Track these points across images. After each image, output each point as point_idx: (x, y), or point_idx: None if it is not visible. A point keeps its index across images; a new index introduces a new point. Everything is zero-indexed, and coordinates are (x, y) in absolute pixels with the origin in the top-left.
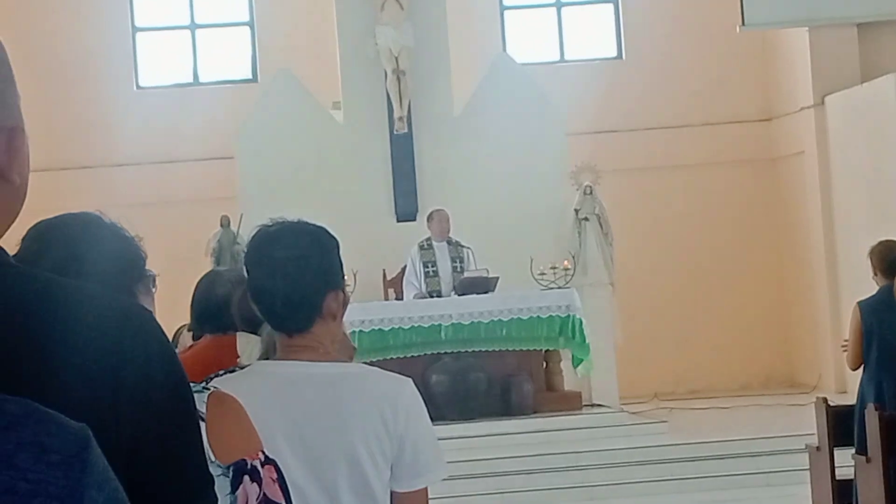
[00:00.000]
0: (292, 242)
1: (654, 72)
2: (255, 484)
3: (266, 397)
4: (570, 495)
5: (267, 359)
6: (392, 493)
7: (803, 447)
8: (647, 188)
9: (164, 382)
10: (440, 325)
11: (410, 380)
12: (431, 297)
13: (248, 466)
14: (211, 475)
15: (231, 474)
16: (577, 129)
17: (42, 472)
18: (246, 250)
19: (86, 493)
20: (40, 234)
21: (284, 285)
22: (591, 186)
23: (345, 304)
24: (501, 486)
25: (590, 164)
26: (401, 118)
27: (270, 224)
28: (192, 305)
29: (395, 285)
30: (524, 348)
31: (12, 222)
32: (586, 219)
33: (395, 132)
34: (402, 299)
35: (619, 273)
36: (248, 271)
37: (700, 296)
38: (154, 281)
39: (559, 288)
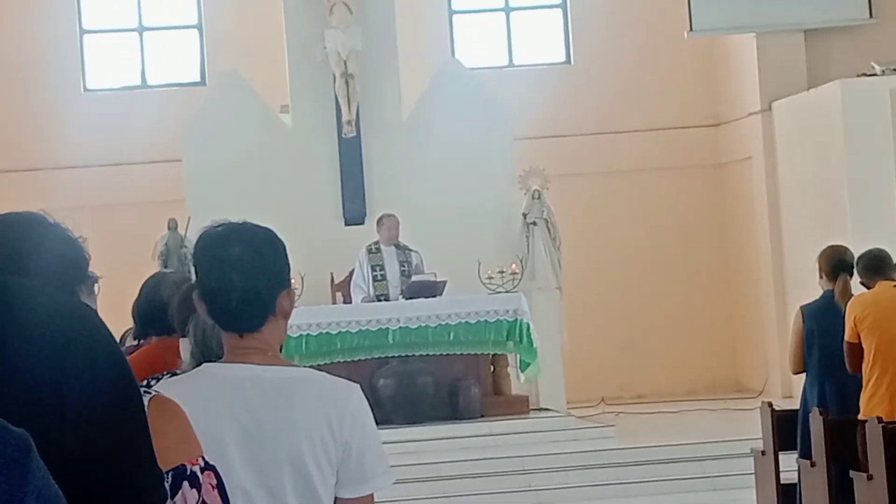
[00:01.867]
0: (247, 240)
1: (602, 77)
2: (194, 490)
3: (214, 400)
4: (517, 499)
5: (199, 362)
6: (337, 499)
7: (749, 451)
8: (594, 193)
9: (111, 383)
10: (388, 328)
11: (358, 386)
12: (379, 300)
13: (188, 472)
14: (161, 472)
15: (170, 479)
16: (526, 133)
17: None
18: (195, 250)
19: (25, 500)
20: None
21: (241, 283)
22: (539, 191)
23: (293, 301)
24: (448, 490)
25: (538, 168)
26: (349, 122)
27: (217, 225)
28: (136, 307)
29: (342, 289)
30: (472, 352)
31: None
32: (534, 223)
33: (343, 136)
34: (349, 303)
35: (566, 277)
36: (198, 271)
37: (647, 300)
38: (97, 283)
39: (507, 292)
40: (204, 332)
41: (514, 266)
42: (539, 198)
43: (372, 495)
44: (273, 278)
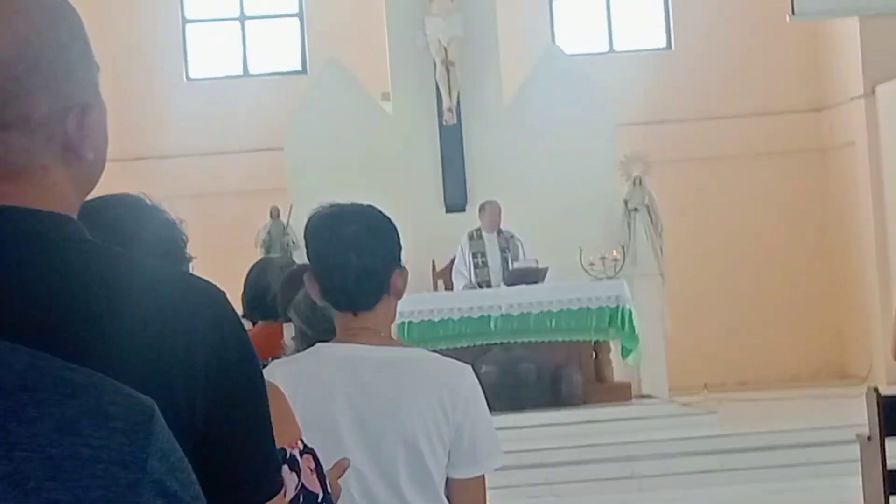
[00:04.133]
0: (361, 219)
1: (703, 62)
2: (293, 473)
3: (328, 380)
4: (620, 486)
5: (311, 343)
6: (449, 479)
7: (854, 438)
8: (696, 179)
9: (238, 362)
10: (490, 315)
11: (469, 367)
12: (481, 287)
13: (288, 455)
14: (279, 459)
15: None
16: (627, 119)
17: (105, 439)
18: (307, 230)
19: (149, 461)
20: (83, 215)
21: (358, 261)
22: (640, 177)
23: (405, 281)
24: (551, 476)
25: (639, 154)
26: (450, 109)
27: (328, 206)
28: (243, 292)
29: (444, 276)
30: (574, 339)
31: (85, 197)
32: (636, 209)
33: (444, 123)
34: (451, 290)
35: (668, 264)
36: (311, 250)
37: (750, 287)
38: (190, 263)
39: (608, 279)
40: (314, 311)
41: (615, 252)
42: (640, 184)
43: (483, 476)
44: (388, 257)
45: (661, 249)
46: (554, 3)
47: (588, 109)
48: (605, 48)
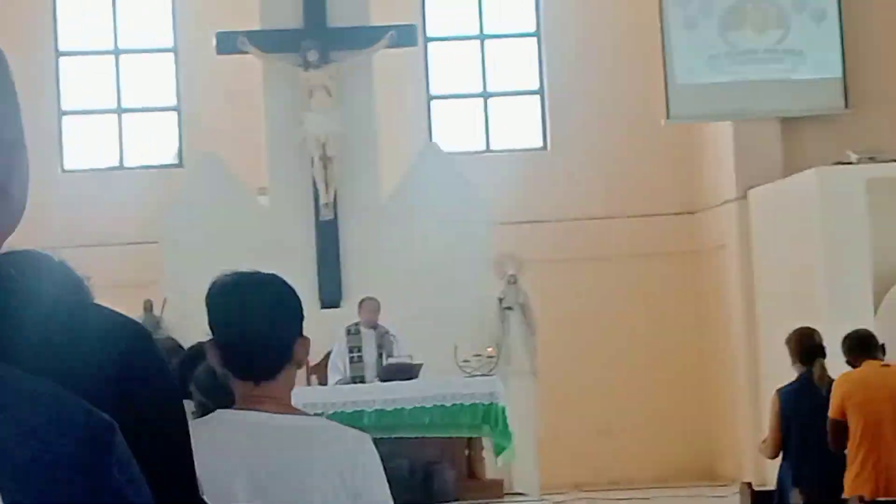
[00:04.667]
0: (266, 287)
1: (578, 162)
2: None
3: (226, 446)
4: None
5: (207, 411)
6: None
7: None
8: (570, 278)
9: (168, 399)
10: (363, 410)
11: (369, 436)
12: (355, 382)
13: None
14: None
15: None
16: (503, 217)
17: (67, 447)
18: (209, 299)
19: (109, 470)
20: None
21: (262, 328)
22: (514, 276)
23: (307, 350)
24: None
25: (512, 253)
26: (327, 204)
27: (229, 274)
28: None
29: (318, 371)
30: (447, 435)
31: (6, 238)
32: (510, 308)
33: (321, 218)
34: (325, 384)
35: (542, 362)
36: (213, 320)
37: (622, 385)
38: None
39: (482, 375)
40: (214, 382)
41: (490, 350)
42: (515, 283)
43: None
44: (291, 326)
45: (535, 348)
46: (432, 102)
47: (465, 207)
48: (483, 147)
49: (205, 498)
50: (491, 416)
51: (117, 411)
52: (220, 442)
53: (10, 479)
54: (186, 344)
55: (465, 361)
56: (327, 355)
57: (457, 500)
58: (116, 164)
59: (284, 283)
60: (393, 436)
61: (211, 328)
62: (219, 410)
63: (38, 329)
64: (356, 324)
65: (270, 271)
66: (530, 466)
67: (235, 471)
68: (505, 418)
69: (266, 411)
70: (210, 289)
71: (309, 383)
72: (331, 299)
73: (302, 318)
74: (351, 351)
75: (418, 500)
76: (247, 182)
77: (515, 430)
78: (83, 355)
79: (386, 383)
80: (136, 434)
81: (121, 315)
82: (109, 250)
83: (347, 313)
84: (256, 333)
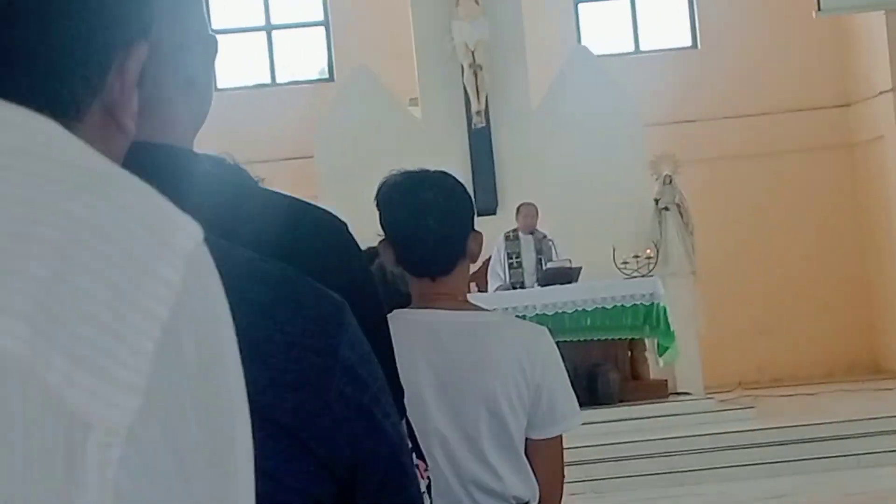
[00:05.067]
0: (438, 185)
1: (729, 60)
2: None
3: (409, 345)
4: (659, 481)
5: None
6: (528, 440)
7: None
8: (725, 177)
9: (375, 293)
10: (524, 316)
11: (546, 329)
12: (515, 288)
13: None
14: (402, 386)
15: None
16: (655, 119)
17: (298, 325)
18: (381, 198)
19: (340, 349)
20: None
21: (436, 226)
22: (670, 176)
23: (481, 244)
24: (591, 473)
25: (668, 153)
26: (478, 112)
27: (400, 174)
28: None
29: (477, 278)
30: (610, 337)
31: (198, 129)
32: (666, 208)
33: (473, 127)
34: (485, 291)
35: (700, 262)
36: (388, 217)
37: (782, 283)
38: None
39: (642, 277)
40: (385, 283)
41: (648, 251)
42: (670, 183)
43: (561, 437)
44: (464, 222)
45: (693, 248)
46: (579, 5)
47: (616, 110)
48: (631, 48)
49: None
50: (652, 316)
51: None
52: (401, 342)
53: (249, 357)
54: None
55: (624, 263)
56: (486, 262)
57: (621, 401)
58: (268, 81)
59: (454, 178)
60: (555, 340)
61: (383, 227)
62: (396, 311)
63: (262, 219)
64: (514, 230)
65: (439, 169)
66: (693, 366)
67: (419, 369)
68: (666, 318)
69: (444, 308)
70: (380, 188)
71: (468, 290)
72: (486, 207)
73: (474, 213)
74: (510, 257)
75: (583, 402)
76: (398, 93)
77: (677, 330)
78: (305, 244)
79: (546, 288)
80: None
81: (326, 210)
82: (264, 167)
83: (503, 220)
84: (431, 229)
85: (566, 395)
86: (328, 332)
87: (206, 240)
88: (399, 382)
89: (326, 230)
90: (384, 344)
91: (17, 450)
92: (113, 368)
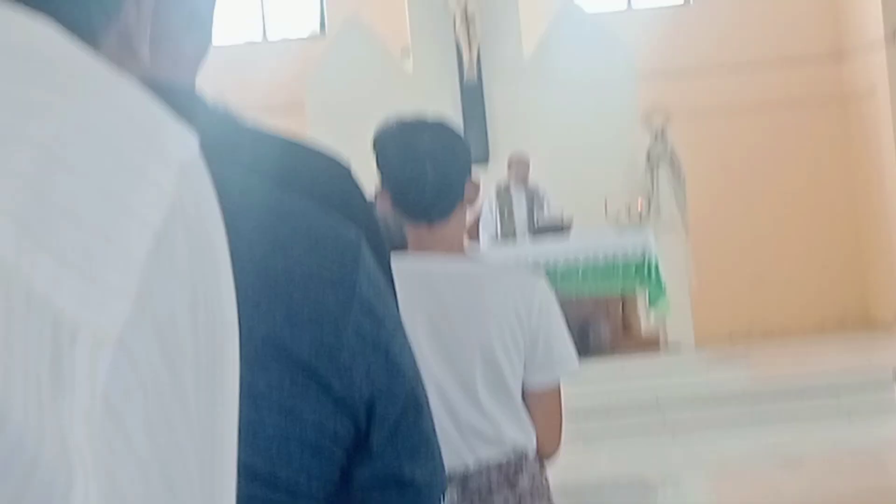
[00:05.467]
0: (435, 131)
1: (720, 9)
2: None
3: (404, 292)
4: (652, 432)
5: None
6: (526, 388)
7: (890, 378)
8: (717, 130)
9: (384, 246)
10: None
11: (542, 276)
12: (507, 241)
13: None
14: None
15: None
16: (647, 72)
17: (315, 259)
18: (377, 143)
19: (357, 282)
20: None
21: (433, 171)
22: (662, 129)
23: (478, 189)
24: (581, 424)
25: (660, 105)
26: (470, 65)
27: (396, 120)
28: None
29: (469, 231)
30: (601, 292)
31: (202, 64)
32: (658, 161)
33: (464, 79)
34: (477, 242)
35: (691, 215)
36: (384, 163)
37: (773, 236)
38: None
39: (634, 230)
40: (385, 225)
41: (639, 204)
42: (662, 136)
43: (559, 386)
44: (461, 167)
45: (685, 201)
46: None
47: (608, 61)
48: (624, 6)
49: None
50: (644, 269)
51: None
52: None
53: (263, 292)
54: None
55: (616, 217)
56: (478, 215)
57: (613, 353)
58: (259, 38)
59: (451, 126)
60: None
61: (380, 172)
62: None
63: (265, 159)
64: (506, 182)
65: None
66: (685, 319)
67: (414, 316)
68: (658, 271)
69: (439, 255)
70: (377, 133)
71: (463, 240)
72: (478, 159)
73: (470, 158)
74: (501, 210)
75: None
76: (389, 45)
77: (668, 284)
78: (309, 186)
79: (538, 241)
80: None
81: (331, 154)
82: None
83: (496, 173)
84: (428, 176)
85: (563, 340)
86: (346, 265)
87: (222, 165)
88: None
89: (330, 172)
90: (391, 289)
91: (0, 354)
92: (102, 271)
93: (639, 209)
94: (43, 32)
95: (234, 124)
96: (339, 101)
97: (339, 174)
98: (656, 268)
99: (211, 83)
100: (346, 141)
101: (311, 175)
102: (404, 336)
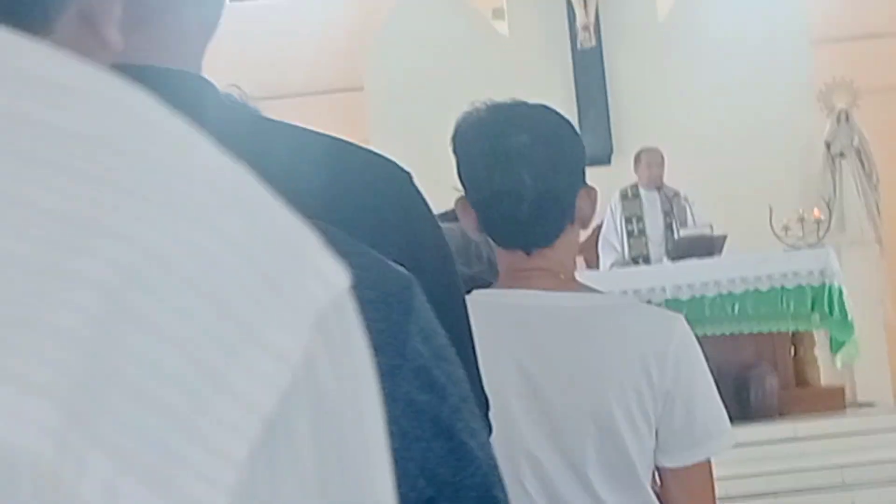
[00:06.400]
0: (536, 125)
1: None
2: None
3: (491, 337)
4: None
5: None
6: (659, 469)
7: None
8: None
9: (439, 252)
10: (651, 301)
11: (681, 315)
12: (637, 263)
13: None
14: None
15: None
16: (825, 35)
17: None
18: (456, 143)
19: (409, 341)
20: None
21: (533, 182)
22: (846, 111)
23: (595, 203)
24: None
25: (844, 81)
26: (586, 27)
27: (483, 108)
28: None
29: (586, 250)
30: (765, 330)
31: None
32: (842, 154)
33: (579, 47)
34: (596, 268)
35: (887, 227)
36: (466, 169)
37: None
38: None
39: (809, 247)
40: (468, 250)
41: (816, 212)
42: (847, 120)
43: (709, 465)
44: (571, 174)
45: (878, 207)
46: None
47: (772, 23)
48: None
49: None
50: (823, 300)
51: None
52: (482, 334)
53: None
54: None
55: (785, 228)
56: (597, 229)
57: (782, 414)
58: None
59: (558, 114)
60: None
61: (462, 181)
62: (476, 292)
63: (297, 165)
64: (633, 185)
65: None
66: (880, 367)
67: (506, 371)
68: (843, 303)
69: (540, 289)
70: (457, 127)
71: (574, 267)
72: (598, 153)
73: (584, 160)
74: (629, 222)
75: (732, 415)
76: (478, 3)
77: (856, 319)
78: (353, 198)
79: (679, 263)
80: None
81: (381, 155)
82: (298, 102)
83: (621, 173)
84: (526, 184)
85: (710, 404)
86: (393, 320)
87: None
88: (483, 389)
89: (382, 180)
90: (463, 336)
91: None
92: (183, 480)
93: (815, 219)
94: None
95: (255, 120)
96: (410, 77)
97: (393, 184)
98: (841, 299)
99: (238, 49)
100: (419, 130)
101: (352, 188)
102: (475, 412)
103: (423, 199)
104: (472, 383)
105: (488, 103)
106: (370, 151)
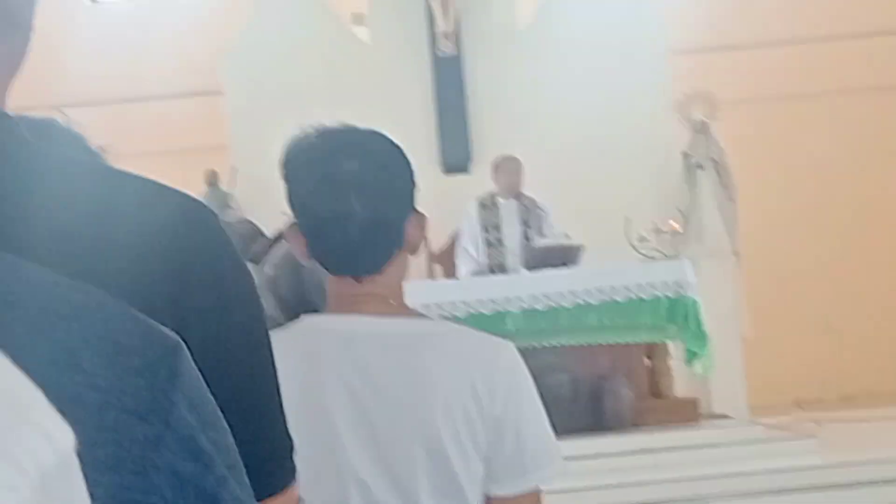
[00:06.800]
0: (366, 150)
1: None
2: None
3: (318, 362)
4: None
5: (293, 315)
6: (490, 500)
7: None
8: (778, 123)
9: (241, 298)
10: (507, 311)
11: (511, 344)
12: (493, 273)
13: None
14: (291, 437)
15: None
16: (684, 44)
17: (116, 379)
18: (287, 169)
19: (174, 409)
20: None
21: (363, 208)
22: (704, 122)
23: (424, 230)
24: None
25: (703, 92)
26: (446, 34)
27: (314, 132)
28: None
29: (443, 259)
30: (621, 341)
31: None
32: (699, 166)
33: (439, 53)
34: (454, 277)
35: (744, 239)
36: (296, 195)
37: (854, 269)
38: None
39: (666, 258)
40: (298, 276)
41: (673, 223)
42: (705, 131)
43: (538, 494)
44: (401, 200)
45: (735, 219)
46: None
47: (631, 33)
48: None
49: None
50: (679, 312)
51: (174, 322)
52: (310, 360)
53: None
54: (268, 229)
55: (641, 240)
56: (455, 237)
57: (637, 425)
58: None
59: (388, 140)
60: (548, 343)
61: (292, 207)
62: (305, 317)
63: (63, 206)
64: (491, 194)
65: (369, 126)
66: (734, 379)
67: (332, 395)
68: (698, 315)
69: (370, 314)
70: (287, 154)
71: (431, 276)
72: (456, 162)
73: (414, 187)
74: (487, 231)
75: (584, 426)
76: (337, 8)
77: (712, 331)
78: (124, 241)
79: (536, 273)
80: (201, 355)
81: (168, 188)
82: (156, 106)
83: (480, 179)
84: (356, 211)
85: (539, 431)
86: (157, 386)
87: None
88: (288, 433)
89: (189, 220)
90: (265, 375)
91: None
92: None
93: (672, 229)
94: None
95: (57, 164)
96: (268, 81)
97: (198, 224)
98: (696, 311)
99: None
100: (276, 136)
101: (161, 227)
102: (244, 481)
103: (227, 237)
104: (277, 427)
105: (319, 128)
106: (178, 192)
